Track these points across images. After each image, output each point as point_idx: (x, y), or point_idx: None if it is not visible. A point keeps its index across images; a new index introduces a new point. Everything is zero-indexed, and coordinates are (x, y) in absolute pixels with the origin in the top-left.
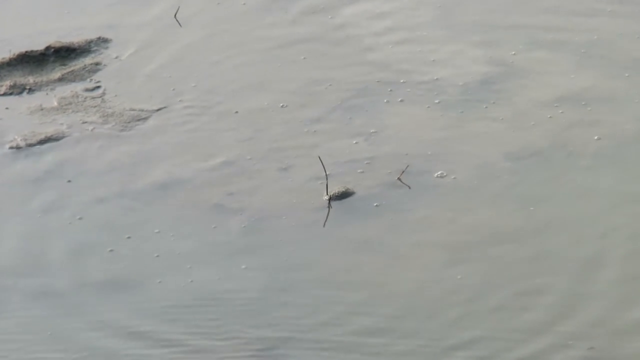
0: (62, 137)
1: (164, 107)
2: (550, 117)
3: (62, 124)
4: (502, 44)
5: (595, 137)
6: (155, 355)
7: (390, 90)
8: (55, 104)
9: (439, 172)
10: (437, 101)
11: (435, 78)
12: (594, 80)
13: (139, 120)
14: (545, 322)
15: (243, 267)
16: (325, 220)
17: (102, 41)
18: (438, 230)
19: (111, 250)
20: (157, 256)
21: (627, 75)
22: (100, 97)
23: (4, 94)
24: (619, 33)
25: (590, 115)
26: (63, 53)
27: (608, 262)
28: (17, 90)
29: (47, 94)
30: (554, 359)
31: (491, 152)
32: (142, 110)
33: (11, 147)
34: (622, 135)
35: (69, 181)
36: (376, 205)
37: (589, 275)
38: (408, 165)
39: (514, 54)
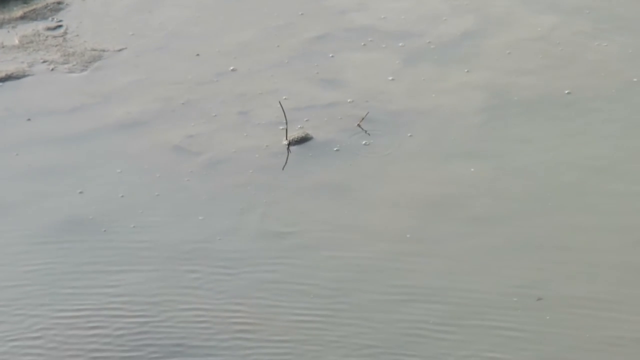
0: (23, 76)
1: (125, 48)
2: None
3: (23, 62)
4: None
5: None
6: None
7: (353, 38)
8: (17, 42)
9: (399, 120)
10: (401, 45)
11: (402, 29)
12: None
13: (100, 60)
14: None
15: (201, 218)
16: (285, 164)
17: None
18: (396, 178)
19: (81, 192)
20: (122, 196)
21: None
22: (62, 36)
23: None
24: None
25: None
26: None
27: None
28: None
29: (8, 31)
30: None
31: (455, 105)
32: (104, 51)
33: None
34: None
35: (29, 119)
36: (336, 150)
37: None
38: (368, 112)
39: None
